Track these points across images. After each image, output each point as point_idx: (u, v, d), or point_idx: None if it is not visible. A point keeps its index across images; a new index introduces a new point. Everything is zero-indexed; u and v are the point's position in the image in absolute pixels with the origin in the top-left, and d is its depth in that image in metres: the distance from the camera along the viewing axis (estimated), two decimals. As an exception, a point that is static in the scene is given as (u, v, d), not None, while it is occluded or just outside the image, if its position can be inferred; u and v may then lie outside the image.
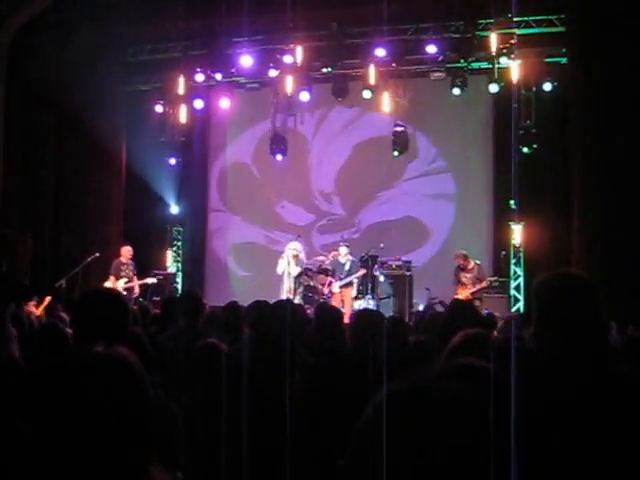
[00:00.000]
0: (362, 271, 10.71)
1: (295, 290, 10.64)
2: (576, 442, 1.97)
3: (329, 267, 11.13)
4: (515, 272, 11.12)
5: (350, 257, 10.80)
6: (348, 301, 10.52)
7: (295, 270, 10.59)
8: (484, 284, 10.12)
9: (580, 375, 2.12)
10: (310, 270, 11.16)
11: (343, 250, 10.82)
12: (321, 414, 3.20)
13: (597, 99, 9.07)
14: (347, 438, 0.93)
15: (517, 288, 11.10)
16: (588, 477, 1.98)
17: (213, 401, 3.56)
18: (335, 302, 10.38)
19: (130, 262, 10.35)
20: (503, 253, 11.12)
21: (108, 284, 10.00)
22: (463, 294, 9.77)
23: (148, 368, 2.76)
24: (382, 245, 11.05)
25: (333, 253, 11.26)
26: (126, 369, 1.74)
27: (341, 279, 10.69)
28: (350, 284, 10.70)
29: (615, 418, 2.05)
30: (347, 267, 10.74)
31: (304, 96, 11.82)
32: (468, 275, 10.02)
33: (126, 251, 10.40)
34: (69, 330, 4.37)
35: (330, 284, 10.79)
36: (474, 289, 9.96)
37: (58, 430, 1.64)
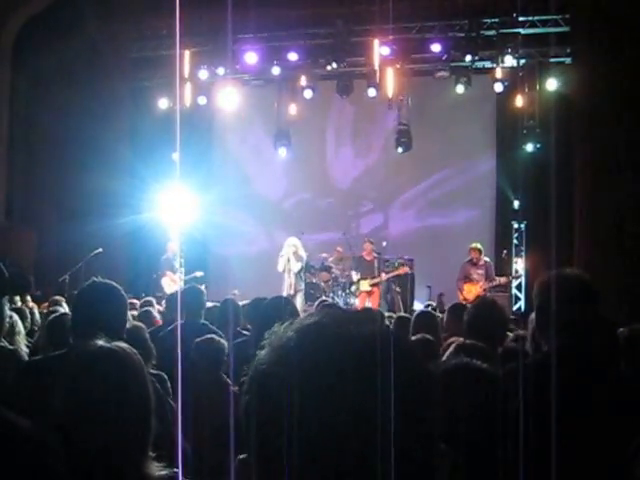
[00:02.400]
0: (404, 268, 10.43)
1: (296, 287, 10.54)
2: (579, 437, 1.98)
3: (332, 265, 11.08)
4: (517, 271, 11.10)
5: (375, 254, 10.63)
6: (375, 300, 10.20)
7: (296, 266, 10.49)
8: (502, 280, 9.71)
9: (582, 373, 2.13)
10: (313, 267, 11.11)
11: (368, 247, 10.64)
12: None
13: (601, 99, 9.06)
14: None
15: (519, 287, 11.08)
16: (589, 471, 1.99)
17: (214, 396, 3.56)
18: (361, 300, 10.20)
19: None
20: (505, 252, 11.10)
21: (167, 280, 10.46)
22: (473, 290, 9.42)
23: (148, 363, 2.75)
24: (385, 243, 11.03)
25: (337, 249, 11.23)
26: (126, 364, 1.75)
27: (373, 277, 10.39)
28: (380, 283, 10.46)
29: (617, 414, 2.06)
30: (376, 265, 10.57)
31: (308, 93, 11.82)
32: (479, 271, 9.68)
33: (172, 246, 10.88)
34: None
35: (358, 281, 10.54)
36: (489, 284, 9.54)
37: (57, 424, 1.64)
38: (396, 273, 10.43)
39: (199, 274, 10.81)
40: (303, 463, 0.69)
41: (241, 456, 0.77)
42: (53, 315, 4.34)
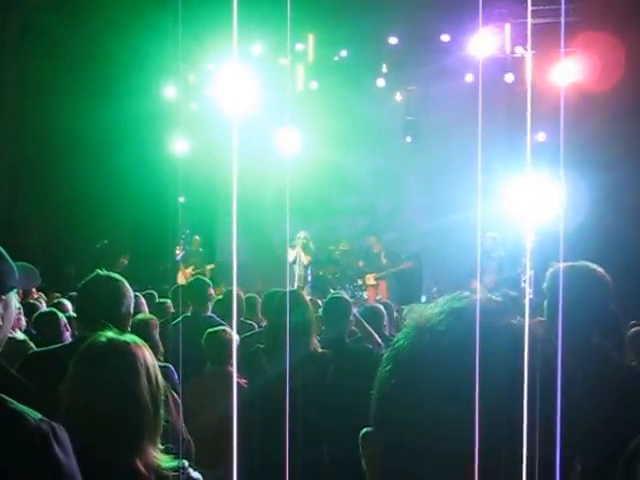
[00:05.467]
0: (407, 264, 10.40)
1: (305, 279, 10.57)
2: (584, 434, 1.96)
3: (339, 257, 11.07)
4: (525, 265, 11.03)
5: (381, 247, 10.60)
6: (383, 294, 10.20)
7: (306, 258, 10.53)
8: (519, 270, 9.66)
9: (589, 368, 2.11)
10: (320, 260, 11.11)
11: (373, 240, 10.63)
12: (331, 402, 3.20)
13: (612, 88, 8.99)
14: (357, 427, 0.89)
15: (527, 281, 11.01)
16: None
17: (222, 387, 3.56)
18: (370, 294, 10.18)
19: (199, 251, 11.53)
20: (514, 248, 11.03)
21: (181, 275, 11.01)
22: (487, 281, 9.36)
23: (157, 356, 2.75)
24: (393, 235, 11.00)
25: (343, 244, 11.21)
26: (136, 357, 1.74)
27: (378, 271, 10.39)
28: (385, 277, 10.47)
29: (625, 412, 2.04)
30: (382, 258, 10.54)
31: (315, 85, 11.79)
32: (493, 263, 9.60)
33: (197, 240, 11.62)
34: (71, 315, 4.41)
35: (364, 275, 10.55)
36: (501, 277, 9.49)
37: (65, 416, 1.64)
38: (399, 268, 10.42)
39: (209, 267, 11.12)
40: (438, 444, 0.70)
41: (367, 429, 0.78)
42: (38, 312, 4.39)
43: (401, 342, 0.77)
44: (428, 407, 0.71)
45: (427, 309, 0.79)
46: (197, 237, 11.69)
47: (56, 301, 5.51)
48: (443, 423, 0.71)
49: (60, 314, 4.29)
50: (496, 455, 0.70)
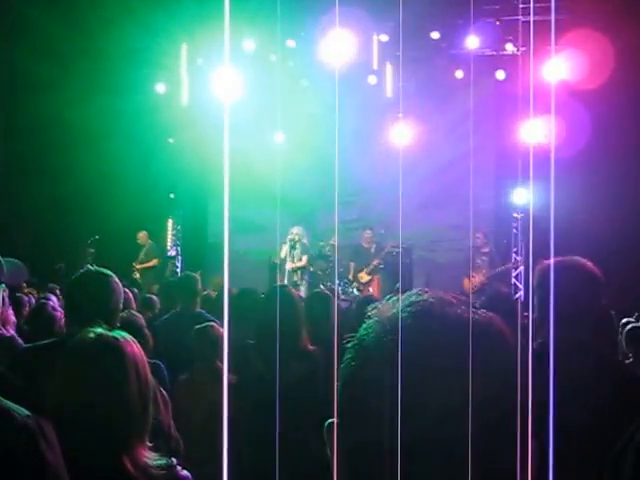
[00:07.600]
0: (392, 249, 10.34)
1: (301, 276, 10.49)
2: (575, 434, 1.96)
3: (329, 253, 11.03)
4: (516, 260, 11.08)
5: (373, 242, 10.59)
6: (376, 290, 10.15)
7: (299, 255, 10.46)
8: (510, 265, 9.73)
9: (579, 362, 2.11)
10: (310, 256, 11.07)
11: (367, 235, 10.62)
12: (318, 400, 3.20)
13: (603, 86, 9.02)
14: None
15: (517, 277, 11.06)
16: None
17: (210, 384, 3.55)
18: (364, 292, 10.10)
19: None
20: (504, 242, 11.08)
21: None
22: (476, 277, 9.44)
23: (145, 352, 2.74)
24: (383, 231, 10.98)
25: (334, 238, 11.17)
26: (124, 353, 1.73)
27: (367, 266, 10.39)
28: (376, 269, 10.44)
29: (617, 410, 2.04)
30: (373, 252, 10.52)
31: (305, 82, 11.78)
32: (484, 258, 9.73)
33: (142, 236, 11.68)
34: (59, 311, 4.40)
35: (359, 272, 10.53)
36: (493, 272, 9.56)
37: (53, 412, 1.62)
38: (384, 252, 10.42)
39: (151, 263, 11.28)
40: (399, 431, 0.72)
41: (331, 420, 0.81)
42: (33, 305, 4.37)
43: (363, 332, 0.81)
44: (388, 389, 0.73)
45: (389, 304, 0.83)
46: (144, 232, 11.65)
47: (43, 296, 5.48)
48: (396, 410, 0.72)
49: (49, 310, 4.27)
50: (450, 436, 0.72)
